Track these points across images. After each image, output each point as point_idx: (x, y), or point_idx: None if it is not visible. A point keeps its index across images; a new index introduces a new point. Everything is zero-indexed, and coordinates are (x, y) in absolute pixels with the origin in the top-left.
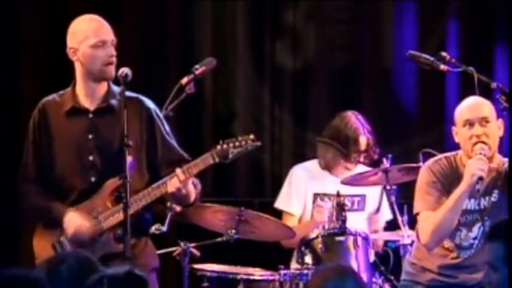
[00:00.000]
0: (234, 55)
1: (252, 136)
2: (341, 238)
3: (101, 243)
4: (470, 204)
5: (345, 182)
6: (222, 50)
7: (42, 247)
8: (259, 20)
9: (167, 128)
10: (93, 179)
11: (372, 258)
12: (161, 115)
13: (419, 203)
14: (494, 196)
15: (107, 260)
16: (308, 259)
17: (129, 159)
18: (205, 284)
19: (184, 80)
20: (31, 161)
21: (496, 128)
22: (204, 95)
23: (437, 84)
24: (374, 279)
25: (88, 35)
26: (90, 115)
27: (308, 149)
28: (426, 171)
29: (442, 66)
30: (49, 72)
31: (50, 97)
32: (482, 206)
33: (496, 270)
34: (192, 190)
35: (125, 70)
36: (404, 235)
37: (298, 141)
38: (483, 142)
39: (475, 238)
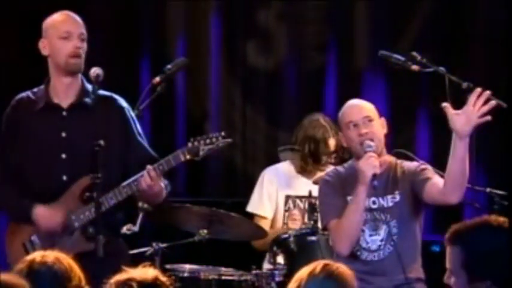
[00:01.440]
0: (206, 55)
1: (222, 133)
2: (313, 238)
3: (71, 242)
4: (368, 202)
5: (316, 182)
6: (194, 50)
7: (13, 246)
8: (231, 20)
9: (139, 128)
10: (64, 178)
11: None
12: (133, 115)
13: (324, 215)
14: (396, 196)
15: (78, 260)
16: (280, 259)
17: None
18: (177, 284)
19: (157, 80)
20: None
21: (379, 126)
22: (176, 94)
23: (409, 84)
24: None
25: (56, 27)
26: (64, 113)
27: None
28: (321, 183)
29: (414, 67)
30: (24, 69)
31: (24, 94)
32: (382, 205)
33: (410, 274)
34: (163, 188)
35: (97, 70)
36: None
37: (270, 141)
38: (370, 139)
39: (382, 240)
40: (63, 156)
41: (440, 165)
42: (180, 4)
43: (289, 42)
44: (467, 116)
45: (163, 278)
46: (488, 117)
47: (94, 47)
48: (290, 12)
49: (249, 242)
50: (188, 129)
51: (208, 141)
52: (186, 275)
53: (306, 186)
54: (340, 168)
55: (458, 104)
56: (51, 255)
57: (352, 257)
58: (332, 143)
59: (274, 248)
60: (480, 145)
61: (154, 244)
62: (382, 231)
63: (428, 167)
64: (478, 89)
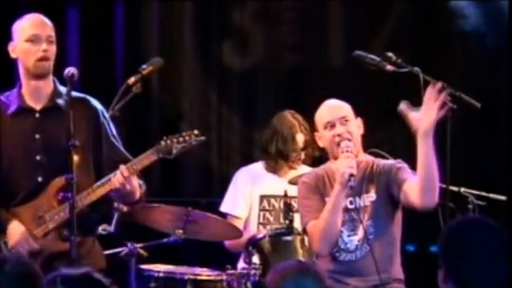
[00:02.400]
0: (182, 55)
1: (196, 131)
2: (288, 238)
3: (46, 243)
4: (345, 203)
5: (292, 182)
6: (169, 50)
7: None
8: (206, 21)
9: (113, 129)
10: (39, 179)
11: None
12: (107, 116)
13: (303, 217)
14: (372, 196)
15: (53, 260)
16: (255, 259)
17: None
18: (153, 285)
19: (132, 80)
20: None
21: (356, 127)
22: (151, 95)
23: (384, 84)
24: None
25: (23, 30)
26: (37, 115)
27: (255, 149)
28: (300, 185)
29: (388, 67)
30: None
31: None
32: (358, 205)
33: (386, 274)
34: (137, 187)
35: (71, 70)
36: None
37: (246, 141)
38: (348, 139)
39: (359, 240)
40: (38, 158)
41: (416, 164)
42: (155, 4)
43: (264, 43)
44: (425, 112)
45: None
46: (448, 106)
47: (69, 47)
48: (265, 12)
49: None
50: (163, 129)
51: (181, 139)
52: (161, 275)
53: (280, 184)
54: (318, 169)
55: None
56: None
57: (330, 258)
58: (300, 138)
59: (250, 248)
60: (454, 145)
61: (129, 244)
62: (359, 231)
63: (404, 165)
64: (432, 83)
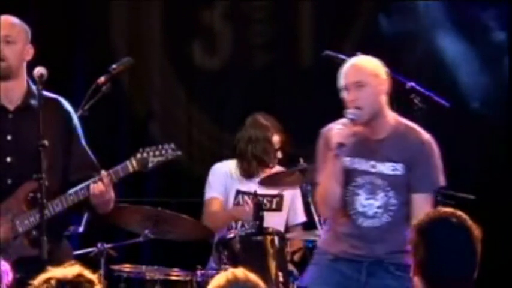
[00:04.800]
0: (151, 55)
1: (172, 145)
2: (258, 238)
3: (15, 247)
4: (361, 164)
5: (262, 183)
6: (138, 49)
7: None
8: (176, 20)
9: (81, 132)
10: (9, 181)
11: (289, 257)
12: (77, 119)
13: (319, 173)
14: (399, 169)
15: (22, 264)
16: (226, 259)
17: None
18: (122, 285)
19: (101, 80)
20: None
21: (374, 90)
22: (120, 94)
23: None
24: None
25: None
26: (10, 115)
27: (225, 148)
28: (321, 138)
29: None
30: None
31: None
32: (381, 171)
33: (398, 250)
34: (113, 197)
35: (40, 70)
36: (321, 234)
37: (215, 141)
38: (356, 107)
39: (379, 207)
40: (8, 159)
41: None
42: (123, 3)
43: (234, 42)
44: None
45: (88, 276)
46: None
47: (38, 47)
48: (235, 11)
49: (194, 241)
50: (133, 129)
51: (157, 153)
52: (131, 275)
53: (255, 184)
54: (341, 123)
55: (403, 103)
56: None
57: (347, 221)
58: (276, 139)
59: (220, 248)
60: None
61: (99, 245)
62: (380, 198)
63: (432, 171)
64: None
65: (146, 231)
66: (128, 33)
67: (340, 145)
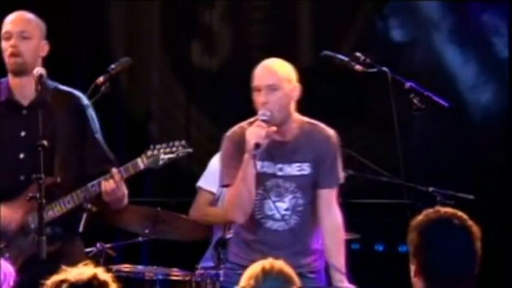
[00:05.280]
0: (150, 55)
1: (183, 142)
2: None
3: (26, 243)
4: (269, 168)
5: None
6: (137, 49)
7: None
8: (175, 20)
9: (96, 126)
10: (22, 178)
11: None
12: (92, 112)
13: (224, 176)
14: (306, 169)
15: (34, 261)
16: (225, 259)
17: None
18: (121, 285)
19: (100, 80)
20: None
21: (286, 94)
22: (119, 94)
23: (352, 85)
24: None
25: (1, 28)
26: (24, 111)
27: None
28: (224, 141)
29: (357, 67)
30: None
31: None
32: (286, 173)
33: (308, 252)
34: (125, 194)
35: (39, 70)
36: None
37: (214, 141)
38: (268, 109)
39: (287, 209)
40: (21, 156)
41: (388, 164)
42: (122, 4)
43: (233, 42)
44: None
45: (103, 276)
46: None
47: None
48: (234, 12)
49: (194, 241)
50: (131, 129)
51: (168, 150)
52: (130, 275)
53: None
54: (242, 127)
55: (402, 103)
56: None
57: (256, 225)
58: None
59: (219, 248)
60: (422, 144)
61: (98, 245)
62: (287, 200)
63: (338, 161)
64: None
65: (145, 231)
66: (127, 34)
67: (257, 146)
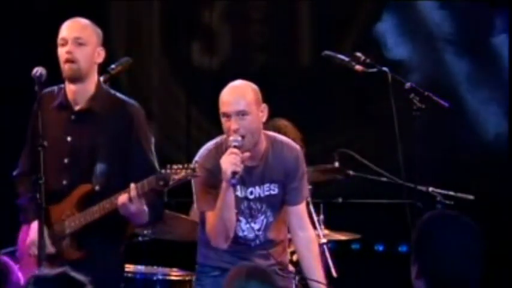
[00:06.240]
0: (150, 55)
1: (193, 165)
2: None
3: (61, 249)
4: (241, 191)
5: None
6: (137, 49)
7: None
8: (175, 20)
9: (144, 140)
10: (64, 182)
11: (288, 257)
12: (144, 125)
13: (201, 202)
14: (274, 189)
15: (68, 265)
16: None
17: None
18: (121, 285)
19: (100, 80)
20: (26, 154)
21: (256, 118)
22: None
23: (353, 85)
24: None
25: (58, 36)
26: (73, 116)
27: None
28: (201, 169)
29: (357, 67)
30: None
31: (50, 88)
32: (258, 195)
33: (281, 258)
34: (144, 210)
35: (40, 70)
36: (320, 234)
37: None
38: (240, 136)
39: (259, 230)
40: (66, 161)
41: (385, 164)
42: (123, 4)
43: (233, 42)
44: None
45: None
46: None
47: (34, 45)
48: (233, 12)
49: (194, 241)
50: None
51: (178, 171)
52: (130, 275)
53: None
54: (213, 151)
55: (402, 102)
56: None
57: (229, 245)
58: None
59: None
60: (422, 145)
61: None
62: (259, 221)
63: (304, 182)
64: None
65: (145, 231)
66: (126, 33)
67: (234, 174)
